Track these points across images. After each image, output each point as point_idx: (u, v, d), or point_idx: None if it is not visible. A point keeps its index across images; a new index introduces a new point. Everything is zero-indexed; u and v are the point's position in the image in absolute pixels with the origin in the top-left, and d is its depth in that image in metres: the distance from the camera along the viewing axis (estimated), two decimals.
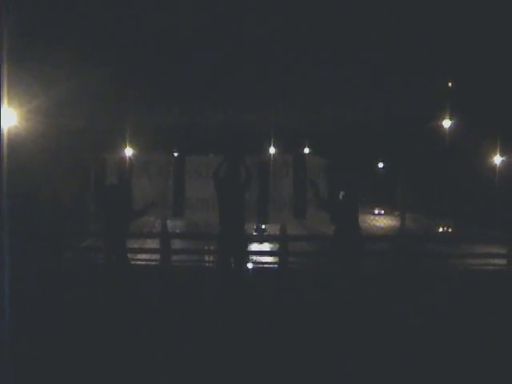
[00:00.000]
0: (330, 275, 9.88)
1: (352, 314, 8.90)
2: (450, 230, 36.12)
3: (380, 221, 28.76)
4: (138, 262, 13.59)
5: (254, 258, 14.44)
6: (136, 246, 14.17)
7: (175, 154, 15.01)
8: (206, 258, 15.93)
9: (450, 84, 40.60)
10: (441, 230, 35.94)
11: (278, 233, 13.16)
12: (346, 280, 9.45)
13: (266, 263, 14.61)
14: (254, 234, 26.00)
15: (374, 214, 39.30)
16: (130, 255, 10.90)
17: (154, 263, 13.74)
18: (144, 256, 14.44)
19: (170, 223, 13.89)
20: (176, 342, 7.83)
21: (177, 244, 17.37)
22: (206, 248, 16.85)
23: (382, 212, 41.88)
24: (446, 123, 39.67)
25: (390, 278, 12.08)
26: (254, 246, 18.10)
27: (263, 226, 26.76)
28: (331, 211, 10.12)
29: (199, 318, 8.89)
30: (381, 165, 52.90)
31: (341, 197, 10.04)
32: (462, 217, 35.19)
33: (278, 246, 13.38)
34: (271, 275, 12.68)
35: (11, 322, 7.94)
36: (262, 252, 15.46)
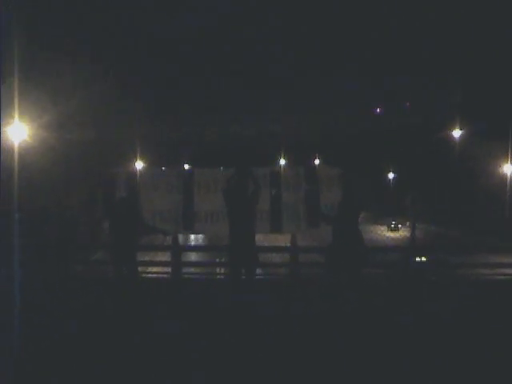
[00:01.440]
0: (331, 286, 9.80)
1: (358, 323, 8.91)
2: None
3: (392, 232, 28.76)
4: (149, 275, 13.63)
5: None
6: (147, 258, 14.19)
7: (185, 167, 15.05)
8: (217, 271, 15.94)
9: (459, 94, 40.63)
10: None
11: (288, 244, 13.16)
12: (349, 291, 9.39)
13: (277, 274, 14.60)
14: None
15: None
16: (140, 268, 10.95)
17: (165, 276, 13.78)
18: (155, 269, 14.48)
19: (188, 237, 13.89)
20: (187, 354, 7.85)
21: (192, 257, 17.46)
22: (217, 260, 16.87)
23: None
24: (456, 133, 39.67)
25: (399, 287, 12.06)
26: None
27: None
28: (333, 224, 10.01)
29: (210, 329, 8.91)
30: (391, 175, 52.93)
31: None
32: (471, 226, 35.11)
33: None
34: (282, 286, 12.68)
35: (21, 334, 8.01)
36: (272, 263, 15.43)
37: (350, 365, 7.45)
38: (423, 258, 16.27)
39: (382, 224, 40.83)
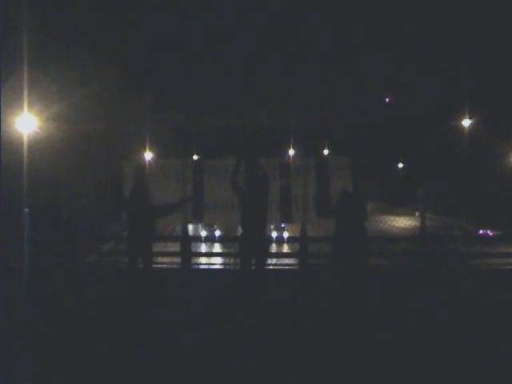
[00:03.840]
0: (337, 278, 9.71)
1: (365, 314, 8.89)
2: None
3: (399, 221, 28.65)
4: (159, 266, 13.63)
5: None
6: (156, 249, 14.19)
7: (194, 158, 15.06)
8: (227, 261, 15.94)
9: (469, 83, 40.30)
10: None
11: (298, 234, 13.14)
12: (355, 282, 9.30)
13: (287, 264, 14.56)
14: (274, 233, 26.71)
15: None
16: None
17: (174, 266, 13.78)
18: (165, 259, 14.47)
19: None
20: (197, 344, 7.85)
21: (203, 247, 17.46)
22: (226, 251, 16.87)
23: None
24: (466, 122, 39.39)
25: (410, 277, 12.00)
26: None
27: (283, 225, 27.36)
28: (337, 218, 9.88)
29: (219, 319, 8.91)
30: (401, 165, 52.70)
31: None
32: (482, 216, 34.91)
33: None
34: (291, 277, 12.66)
35: (30, 325, 8.03)
36: (282, 254, 15.43)
37: (357, 356, 7.44)
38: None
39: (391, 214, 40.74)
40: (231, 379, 6.84)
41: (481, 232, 36.19)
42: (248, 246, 9.44)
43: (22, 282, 9.23)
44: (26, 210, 9.33)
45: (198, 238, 19.91)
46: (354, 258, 9.34)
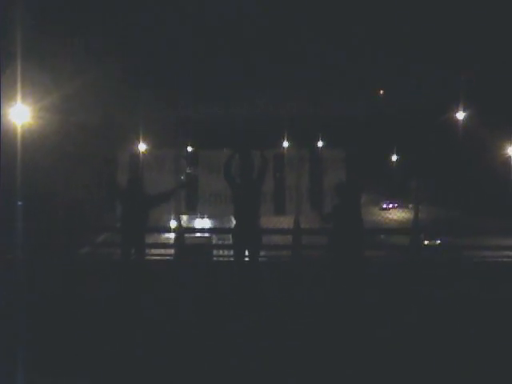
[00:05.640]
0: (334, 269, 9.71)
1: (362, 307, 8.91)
2: None
3: (393, 213, 28.72)
4: (153, 257, 13.63)
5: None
6: (150, 241, 14.20)
7: (189, 149, 15.05)
8: (221, 252, 15.95)
9: (462, 75, 40.29)
10: None
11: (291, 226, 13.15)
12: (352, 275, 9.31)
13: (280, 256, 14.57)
14: None
15: None
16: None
17: (168, 258, 13.79)
18: (158, 251, 14.46)
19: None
20: (191, 338, 7.86)
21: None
22: (220, 242, 16.86)
23: None
24: (460, 115, 39.36)
25: (403, 271, 12.03)
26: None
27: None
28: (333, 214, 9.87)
29: (214, 311, 8.92)
30: (394, 157, 52.73)
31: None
32: (475, 208, 34.97)
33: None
34: (284, 268, 12.67)
35: (26, 317, 8.02)
36: (276, 246, 15.39)
37: (353, 349, 7.46)
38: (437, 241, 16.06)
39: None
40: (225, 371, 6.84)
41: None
42: (241, 237, 9.45)
43: (17, 275, 9.23)
44: (20, 203, 9.30)
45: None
46: (350, 250, 9.35)
